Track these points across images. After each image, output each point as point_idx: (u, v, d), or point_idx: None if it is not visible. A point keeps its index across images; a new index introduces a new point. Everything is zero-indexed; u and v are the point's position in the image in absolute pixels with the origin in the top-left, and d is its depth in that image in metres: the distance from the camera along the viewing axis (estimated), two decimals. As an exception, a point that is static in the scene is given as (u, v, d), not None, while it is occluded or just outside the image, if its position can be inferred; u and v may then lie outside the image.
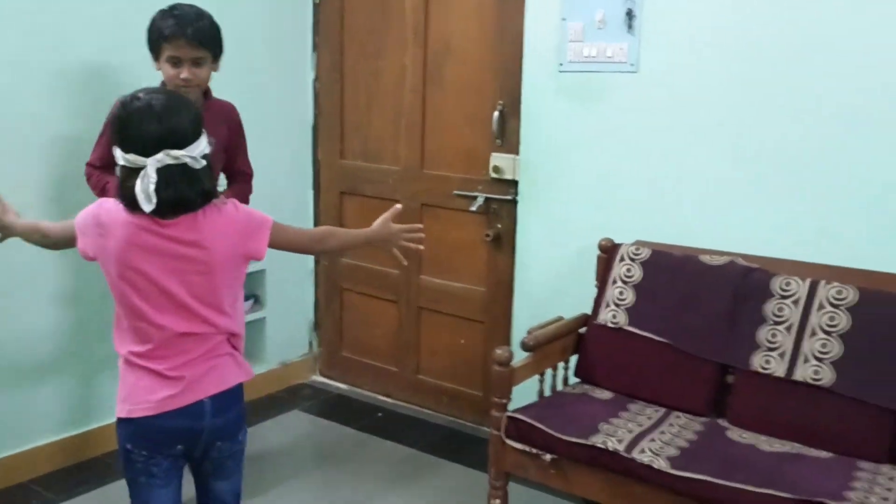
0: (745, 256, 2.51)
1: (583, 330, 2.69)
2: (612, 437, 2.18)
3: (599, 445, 2.15)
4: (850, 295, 2.25)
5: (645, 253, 2.61)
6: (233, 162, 2.67)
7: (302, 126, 3.73)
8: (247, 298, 3.42)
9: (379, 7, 3.43)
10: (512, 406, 2.39)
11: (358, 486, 2.90)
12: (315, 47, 3.66)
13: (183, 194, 1.61)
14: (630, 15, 2.67)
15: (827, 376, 2.21)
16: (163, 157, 1.58)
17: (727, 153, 2.61)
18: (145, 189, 1.57)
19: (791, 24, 2.45)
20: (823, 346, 2.24)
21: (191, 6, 2.37)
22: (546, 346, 2.52)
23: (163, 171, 1.58)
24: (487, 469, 2.42)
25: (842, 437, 2.18)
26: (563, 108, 2.91)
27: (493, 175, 3.15)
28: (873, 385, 2.17)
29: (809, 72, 2.44)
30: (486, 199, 3.20)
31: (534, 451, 2.27)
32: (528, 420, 2.30)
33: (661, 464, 2.06)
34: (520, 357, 2.46)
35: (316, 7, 3.63)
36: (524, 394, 2.61)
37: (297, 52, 3.64)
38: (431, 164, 3.39)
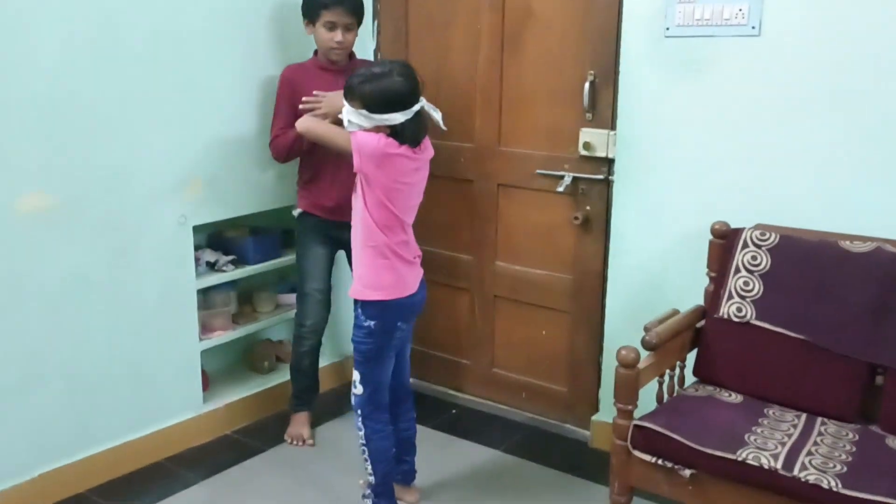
0: (892, 242, 2.23)
1: (700, 324, 2.43)
2: (763, 450, 1.93)
3: (751, 462, 1.89)
4: None
5: (772, 238, 2.34)
6: None
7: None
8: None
9: (449, -31, 3.13)
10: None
11: (453, 491, 2.68)
12: (375, 15, 3.36)
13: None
14: (754, -30, 2.37)
15: None
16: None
17: (863, 128, 2.31)
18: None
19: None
20: None
21: None
22: (666, 344, 2.27)
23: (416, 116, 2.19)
24: (609, 482, 2.18)
25: None
26: (668, 79, 2.61)
27: (584, 152, 2.86)
28: None
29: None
30: (574, 179, 2.92)
31: (668, 464, 2.02)
32: (659, 429, 2.05)
33: (830, 483, 1.80)
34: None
35: (376, -29, 3.32)
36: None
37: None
38: (510, 141, 3.11)
